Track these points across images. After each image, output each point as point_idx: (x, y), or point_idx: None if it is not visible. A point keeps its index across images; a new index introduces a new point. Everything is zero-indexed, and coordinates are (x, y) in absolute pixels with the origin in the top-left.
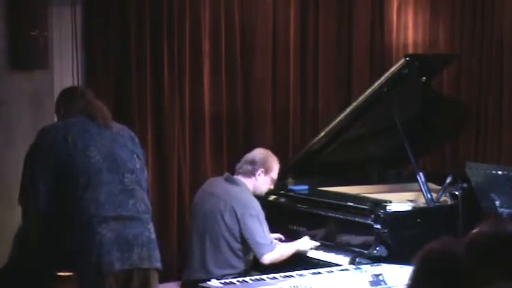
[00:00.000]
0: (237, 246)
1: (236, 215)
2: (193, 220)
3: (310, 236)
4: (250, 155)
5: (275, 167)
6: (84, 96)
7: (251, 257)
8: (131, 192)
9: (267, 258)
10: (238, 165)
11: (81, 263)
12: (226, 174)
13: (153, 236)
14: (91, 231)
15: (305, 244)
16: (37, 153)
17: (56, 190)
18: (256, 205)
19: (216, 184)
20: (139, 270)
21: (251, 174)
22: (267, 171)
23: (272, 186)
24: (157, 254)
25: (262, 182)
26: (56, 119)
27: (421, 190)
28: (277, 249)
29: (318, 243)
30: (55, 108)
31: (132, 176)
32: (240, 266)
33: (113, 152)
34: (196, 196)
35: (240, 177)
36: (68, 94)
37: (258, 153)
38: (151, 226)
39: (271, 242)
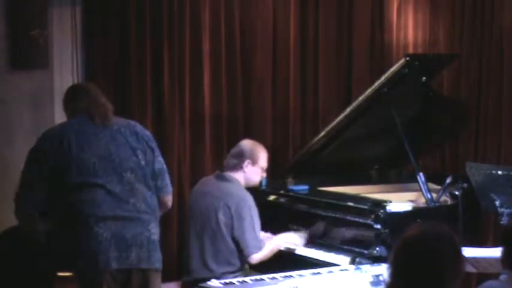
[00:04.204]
0: (234, 242)
1: (230, 212)
2: (190, 221)
3: (310, 236)
4: (235, 149)
5: (261, 155)
6: (87, 94)
7: None
8: (131, 192)
9: (255, 258)
10: (226, 161)
11: (79, 262)
12: (217, 172)
13: (155, 236)
14: (88, 230)
15: (288, 239)
16: (34, 158)
17: (54, 193)
18: (250, 201)
19: (208, 183)
20: (138, 271)
21: (239, 167)
22: (254, 162)
23: (264, 175)
24: (157, 255)
25: (252, 172)
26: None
27: (421, 190)
28: (264, 249)
29: (300, 241)
30: (63, 106)
31: (132, 174)
32: (239, 262)
33: (109, 151)
34: (191, 197)
35: (229, 173)
36: (72, 92)
37: (243, 145)
38: (153, 226)
39: (261, 241)
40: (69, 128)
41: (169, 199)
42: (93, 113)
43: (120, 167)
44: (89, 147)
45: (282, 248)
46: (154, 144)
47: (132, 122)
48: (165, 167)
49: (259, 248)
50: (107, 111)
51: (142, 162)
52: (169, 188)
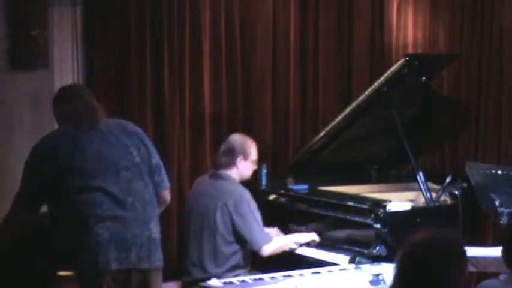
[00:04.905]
0: (234, 241)
1: (228, 209)
2: (189, 221)
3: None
4: (225, 146)
5: (252, 150)
6: (79, 99)
7: (249, 251)
8: (129, 190)
9: (266, 250)
10: (218, 159)
11: (79, 262)
12: (212, 170)
13: (155, 235)
14: (87, 230)
15: (303, 237)
16: (31, 167)
17: (53, 196)
18: (247, 196)
19: (204, 183)
20: (138, 271)
21: (232, 164)
22: (246, 157)
23: (255, 167)
24: (158, 254)
25: (244, 167)
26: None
27: (421, 190)
28: (274, 241)
29: (315, 238)
30: (53, 108)
31: (127, 172)
32: (239, 261)
33: (102, 153)
34: (189, 198)
35: (224, 171)
36: (63, 96)
37: (232, 141)
38: (153, 225)
39: (267, 233)
40: (61, 136)
41: (167, 193)
42: (83, 117)
43: (114, 166)
44: (82, 152)
45: (286, 249)
46: (147, 140)
47: (123, 121)
48: (161, 162)
49: (268, 239)
50: (98, 115)
51: (137, 159)
52: (167, 183)
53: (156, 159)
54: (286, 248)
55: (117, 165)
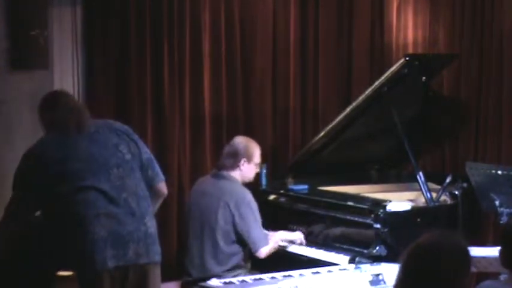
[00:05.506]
0: (235, 241)
1: (230, 209)
2: (190, 221)
3: (310, 235)
4: (229, 148)
5: (256, 152)
6: (58, 107)
7: (249, 251)
8: (122, 187)
9: (263, 252)
10: (221, 160)
11: (77, 262)
12: (214, 170)
13: (152, 229)
14: (84, 230)
15: (289, 235)
16: (20, 179)
17: (46, 201)
18: (249, 197)
19: (206, 183)
20: (136, 266)
21: (235, 166)
22: (249, 159)
23: (258, 169)
24: (156, 248)
25: (248, 170)
26: None
27: (421, 190)
28: (270, 242)
29: (301, 237)
30: (39, 116)
31: (119, 169)
32: (240, 261)
33: (92, 153)
34: (190, 198)
35: (226, 172)
36: (44, 107)
37: (236, 143)
38: (148, 220)
39: (266, 235)
40: (50, 143)
41: (163, 186)
42: (69, 124)
43: (105, 165)
44: (72, 156)
45: (277, 245)
46: (136, 137)
47: (110, 121)
48: (152, 156)
49: (266, 241)
50: (84, 119)
51: (127, 157)
52: (162, 176)
53: (147, 153)
54: (276, 246)
55: (108, 164)
